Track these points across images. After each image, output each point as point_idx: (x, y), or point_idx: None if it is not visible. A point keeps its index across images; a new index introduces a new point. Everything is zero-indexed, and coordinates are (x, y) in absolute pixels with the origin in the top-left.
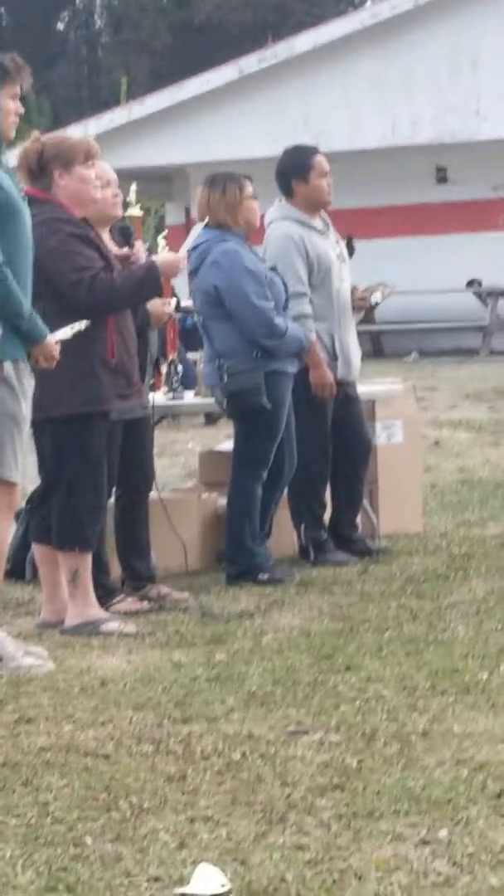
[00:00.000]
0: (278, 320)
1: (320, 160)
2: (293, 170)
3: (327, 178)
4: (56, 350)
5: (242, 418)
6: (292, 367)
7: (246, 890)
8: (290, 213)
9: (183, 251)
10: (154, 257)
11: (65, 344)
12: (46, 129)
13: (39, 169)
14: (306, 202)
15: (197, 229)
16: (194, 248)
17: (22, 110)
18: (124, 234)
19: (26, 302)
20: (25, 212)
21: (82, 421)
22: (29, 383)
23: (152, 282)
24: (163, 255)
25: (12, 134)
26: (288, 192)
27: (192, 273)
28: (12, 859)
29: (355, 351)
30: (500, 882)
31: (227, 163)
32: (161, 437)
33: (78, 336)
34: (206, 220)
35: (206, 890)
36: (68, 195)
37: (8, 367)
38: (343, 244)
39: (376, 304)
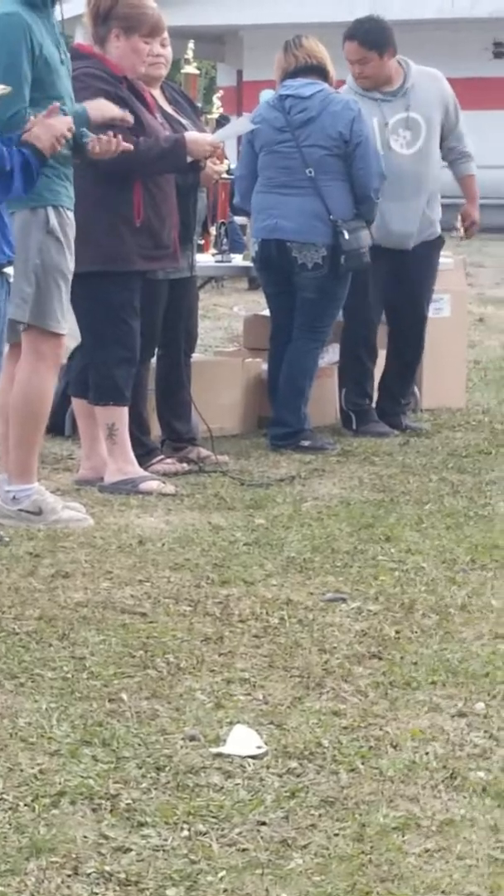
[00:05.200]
0: None
1: None
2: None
3: None
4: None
5: (332, 282)
6: None
7: (282, 753)
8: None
9: (217, 137)
10: (186, 134)
11: (91, 202)
12: None
13: (103, 18)
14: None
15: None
16: (308, 97)
17: None
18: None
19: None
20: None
21: (104, 277)
22: (72, 235)
23: (176, 156)
24: (194, 134)
25: None
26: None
27: (306, 124)
28: (48, 711)
29: (398, 219)
30: None
31: (280, 26)
32: (204, 300)
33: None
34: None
35: (242, 751)
36: (117, 57)
37: (51, 214)
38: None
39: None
